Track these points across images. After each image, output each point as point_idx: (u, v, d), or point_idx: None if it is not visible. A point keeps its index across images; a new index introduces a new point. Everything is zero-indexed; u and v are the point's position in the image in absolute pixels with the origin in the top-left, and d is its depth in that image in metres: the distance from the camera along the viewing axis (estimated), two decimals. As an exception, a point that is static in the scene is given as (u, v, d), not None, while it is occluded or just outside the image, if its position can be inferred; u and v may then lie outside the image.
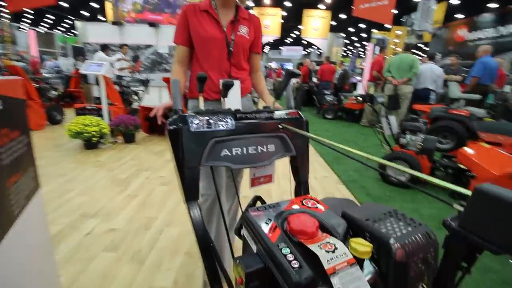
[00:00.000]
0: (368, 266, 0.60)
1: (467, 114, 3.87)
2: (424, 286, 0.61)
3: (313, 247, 0.54)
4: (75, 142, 3.98)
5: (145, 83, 5.09)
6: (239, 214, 1.73)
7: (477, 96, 4.68)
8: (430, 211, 2.46)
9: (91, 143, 3.71)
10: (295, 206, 0.72)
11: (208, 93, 1.37)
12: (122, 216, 2.20)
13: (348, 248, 0.60)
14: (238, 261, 0.57)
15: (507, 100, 4.89)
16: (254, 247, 0.63)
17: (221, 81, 1.21)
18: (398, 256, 0.58)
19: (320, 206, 0.73)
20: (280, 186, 2.75)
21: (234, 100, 1.41)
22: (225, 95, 0.97)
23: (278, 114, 1.03)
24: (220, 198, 0.82)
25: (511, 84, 5.62)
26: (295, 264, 0.51)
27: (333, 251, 0.53)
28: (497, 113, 4.59)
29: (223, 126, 0.91)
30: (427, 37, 10.37)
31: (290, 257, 0.53)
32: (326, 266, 0.50)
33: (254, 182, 1.18)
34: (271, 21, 15.69)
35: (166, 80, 4.34)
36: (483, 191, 0.42)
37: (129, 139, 4.18)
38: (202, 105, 1.02)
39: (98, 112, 4.14)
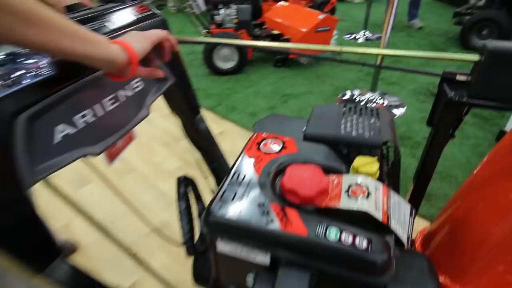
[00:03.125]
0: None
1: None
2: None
3: (351, 204, 0.47)
4: None
5: None
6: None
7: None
8: (267, 87, 2.96)
9: None
10: (262, 161, 0.57)
11: None
12: None
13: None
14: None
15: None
16: (260, 259, 0.47)
17: None
18: (397, 155, 0.63)
19: (286, 142, 0.62)
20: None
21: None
22: None
23: (123, 15, 0.67)
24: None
25: None
26: (363, 243, 0.43)
27: (369, 193, 0.49)
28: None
29: (27, 79, 0.48)
30: None
31: (347, 238, 0.43)
32: (381, 218, 0.46)
33: (111, 154, 0.86)
34: None
35: None
36: (496, 51, 0.47)
37: None
38: None
39: None
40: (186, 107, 0.85)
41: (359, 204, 0.47)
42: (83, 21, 0.61)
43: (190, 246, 0.54)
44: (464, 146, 2.03)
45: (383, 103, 2.56)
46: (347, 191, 0.50)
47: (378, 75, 2.56)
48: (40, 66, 0.50)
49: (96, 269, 1.41)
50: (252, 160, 0.57)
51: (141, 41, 0.54)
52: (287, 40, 3.14)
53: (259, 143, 0.61)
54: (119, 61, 0.49)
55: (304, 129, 0.71)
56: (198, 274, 0.68)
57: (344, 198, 0.48)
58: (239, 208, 0.47)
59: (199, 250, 0.55)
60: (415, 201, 0.71)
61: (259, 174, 0.53)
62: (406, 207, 0.52)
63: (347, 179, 0.52)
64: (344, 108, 0.73)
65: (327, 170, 0.55)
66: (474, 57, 0.50)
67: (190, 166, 1.98)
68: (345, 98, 2.72)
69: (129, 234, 1.56)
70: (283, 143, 0.61)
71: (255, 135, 0.64)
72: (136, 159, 2.05)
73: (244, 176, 0.53)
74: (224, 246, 0.48)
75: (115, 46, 0.49)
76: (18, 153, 0.45)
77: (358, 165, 0.56)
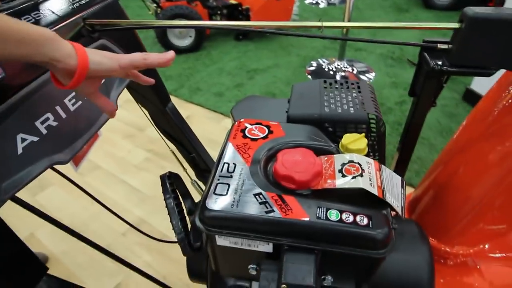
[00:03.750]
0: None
1: None
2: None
3: (347, 183, 0.49)
4: None
5: None
6: None
7: None
8: (230, 63, 2.91)
9: None
10: (250, 149, 0.57)
11: None
12: None
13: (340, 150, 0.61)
14: (284, 285, 0.43)
15: None
16: (263, 248, 0.48)
17: None
18: (382, 128, 0.66)
19: (271, 126, 0.62)
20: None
21: None
22: None
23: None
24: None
25: None
26: (364, 221, 0.45)
27: (362, 170, 0.51)
28: None
29: None
30: None
31: (348, 217, 0.45)
32: (377, 193, 0.48)
33: (76, 158, 0.84)
34: None
35: None
36: (476, 18, 0.50)
37: None
38: None
39: None
40: (154, 97, 0.82)
41: (355, 182, 0.49)
42: (22, 11, 0.56)
43: (186, 245, 0.54)
44: (432, 108, 2.17)
45: (352, 70, 2.63)
46: (341, 170, 0.52)
47: (345, 42, 2.61)
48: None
49: (74, 277, 1.37)
50: (239, 148, 0.57)
51: (104, 58, 0.47)
52: (247, 10, 3.07)
53: (243, 130, 0.61)
54: (67, 62, 0.43)
55: (286, 110, 0.72)
56: (193, 270, 0.69)
57: (339, 178, 0.51)
58: (235, 201, 0.48)
59: (195, 247, 0.56)
60: (401, 170, 0.76)
61: (250, 163, 0.54)
62: (397, 179, 0.56)
63: (339, 159, 0.54)
64: (324, 84, 0.75)
65: (317, 151, 0.56)
66: (455, 25, 0.52)
67: (160, 156, 1.94)
68: (313, 69, 2.75)
69: (103, 236, 1.53)
70: (269, 127, 0.62)
71: (237, 121, 0.63)
72: (97, 155, 1.97)
73: (235, 167, 0.54)
74: (223, 241, 0.49)
75: (66, 44, 0.44)
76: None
77: (347, 143, 0.59)
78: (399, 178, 0.56)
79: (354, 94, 0.70)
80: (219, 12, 3.19)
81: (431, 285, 0.58)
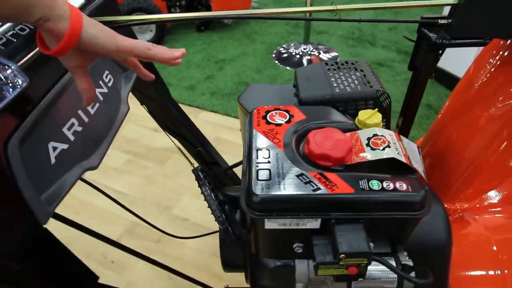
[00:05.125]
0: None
1: None
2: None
3: (378, 155, 0.53)
4: None
5: None
6: None
7: None
8: (196, 55, 2.86)
9: None
10: (278, 134, 0.59)
11: None
12: None
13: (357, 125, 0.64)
14: (343, 255, 0.46)
15: None
16: (311, 225, 0.51)
17: None
18: (387, 100, 0.70)
19: (290, 110, 0.64)
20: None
21: None
22: None
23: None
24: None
25: None
26: (402, 186, 0.49)
27: (388, 142, 0.55)
28: None
29: (7, 92, 0.42)
30: None
31: (388, 185, 0.49)
32: (405, 161, 0.53)
33: None
34: None
35: None
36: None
37: None
38: None
39: None
40: (155, 93, 0.80)
41: (385, 153, 0.53)
42: None
43: (231, 234, 0.55)
44: (397, 82, 2.31)
45: (319, 53, 2.70)
46: (368, 144, 0.55)
47: (309, 26, 2.66)
48: (13, 75, 0.42)
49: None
50: (267, 134, 0.59)
51: (101, 33, 0.43)
52: (206, 0, 3.01)
53: (265, 117, 0.62)
54: (56, 24, 0.38)
55: (295, 94, 0.74)
56: (228, 260, 0.70)
57: (369, 151, 0.54)
58: (280, 184, 0.50)
59: (237, 235, 0.57)
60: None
61: (283, 147, 0.56)
62: (414, 147, 0.61)
63: (363, 134, 0.57)
64: (327, 66, 0.78)
65: (341, 129, 0.59)
66: (454, 0, 0.57)
67: (140, 157, 1.88)
68: (280, 54, 2.78)
69: (97, 244, 1.47)
70: (288, 111, 0.64)
71: (256, 109, 0.65)
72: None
73: (269, 152, 0.55)
74: (272, 223, 0.51)
75: (63, 4, 0.39)
76: (23, 187, 0.40)
77: (364, 119, 0.62)
78: (415, 145, 0.61)
79: (357, 73, 0.74)
80: (177, 3, 3.10)
81: (450, 240, 0.65)
